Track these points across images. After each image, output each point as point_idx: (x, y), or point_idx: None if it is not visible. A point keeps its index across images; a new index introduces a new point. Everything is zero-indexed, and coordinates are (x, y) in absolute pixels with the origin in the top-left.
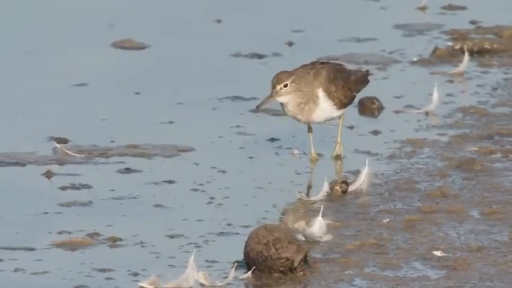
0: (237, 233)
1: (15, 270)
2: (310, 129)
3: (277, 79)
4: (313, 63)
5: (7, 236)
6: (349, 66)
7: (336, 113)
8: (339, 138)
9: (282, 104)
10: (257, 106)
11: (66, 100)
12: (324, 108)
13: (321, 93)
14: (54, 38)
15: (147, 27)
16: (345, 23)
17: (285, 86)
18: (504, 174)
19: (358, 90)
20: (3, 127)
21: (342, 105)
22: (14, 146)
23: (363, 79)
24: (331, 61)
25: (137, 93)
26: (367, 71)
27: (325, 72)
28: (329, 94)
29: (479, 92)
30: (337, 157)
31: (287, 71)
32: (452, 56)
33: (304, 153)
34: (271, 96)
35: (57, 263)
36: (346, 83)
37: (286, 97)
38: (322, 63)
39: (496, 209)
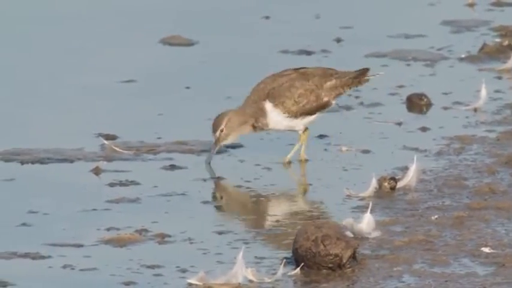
0: (286, 230)
1: (64, 266)
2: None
3: (212, 127)
4: (283, 72)
5: (56, 233)
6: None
7: (295, 121)
8: (296, 148)
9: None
10: (205, 161)
11: (115, 96)
12: (275, 118)
13: (267, 104)
14: (103, 35)
15: (195, 23)
16: (393, 19)
17: (221, 130)
18: None
19: (339, 94)
20: (52, 124)
21: (301, 113)
22: (63, 143)
23: (351, 81)
24: (307, 67)
25: (188, 87)
26: (366, 69)
27: (279, 83)
28: (277, 104)
29: None
30: (288, 165)
31: (224, 114)
32: (500, 53)
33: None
34: (214, 145)
35: (105, 260)
36: (310, 90)
37: (229, 138)
38: (296, 69)
39: None
